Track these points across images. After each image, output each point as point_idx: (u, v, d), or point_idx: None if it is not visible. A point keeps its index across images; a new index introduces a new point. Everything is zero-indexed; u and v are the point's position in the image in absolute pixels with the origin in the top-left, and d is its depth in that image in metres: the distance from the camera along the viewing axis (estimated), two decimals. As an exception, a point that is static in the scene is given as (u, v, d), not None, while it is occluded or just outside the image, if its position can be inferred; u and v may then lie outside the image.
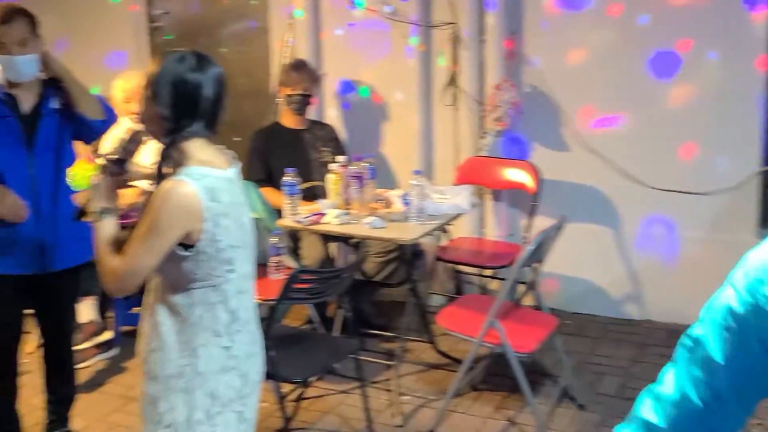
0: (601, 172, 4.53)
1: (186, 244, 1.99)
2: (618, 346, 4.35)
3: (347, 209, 3.83)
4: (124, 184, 2.26)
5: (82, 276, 3.41)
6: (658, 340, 4.36)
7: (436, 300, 4.76)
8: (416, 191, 3.67)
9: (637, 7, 4.34)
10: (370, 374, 4.05)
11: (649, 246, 4.54)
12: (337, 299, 3.79)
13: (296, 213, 3.82)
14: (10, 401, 3.29)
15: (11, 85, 3.01)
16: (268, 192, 4.28)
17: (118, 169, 2.16)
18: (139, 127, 2.14)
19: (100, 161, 2.17)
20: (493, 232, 4.79)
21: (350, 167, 3.83)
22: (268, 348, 3.01)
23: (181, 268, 2.01)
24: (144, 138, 2.19)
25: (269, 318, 3.10)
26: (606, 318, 4.67)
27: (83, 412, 3.69)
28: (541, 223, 4.14)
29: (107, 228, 2.10)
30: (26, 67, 2.98)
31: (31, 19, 2.99)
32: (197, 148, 2.04)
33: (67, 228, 3.13)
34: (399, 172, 4.89)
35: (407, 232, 3.64)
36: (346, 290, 3.45)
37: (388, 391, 3.88)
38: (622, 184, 4.51)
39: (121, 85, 4.28)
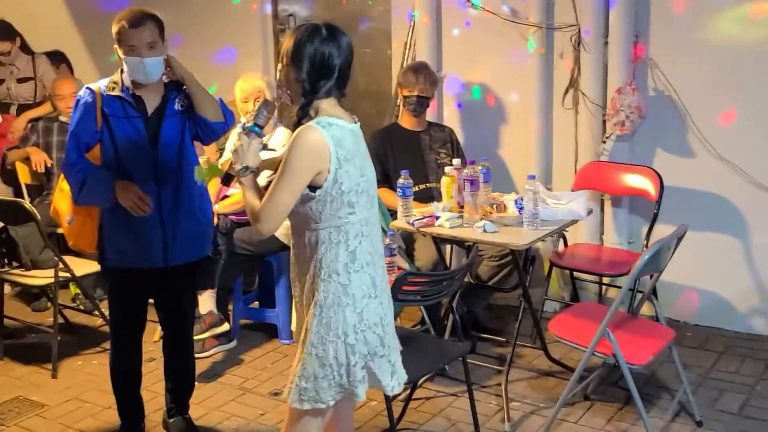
0: (729, 179, 4.34)
1: (314, 186, 2.31)
2: (743, 362, 4.16)
3: (460, 212, 3.82)
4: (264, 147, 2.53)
5: (200, 270, 3.57)
6: (787, 358, 4.15)
7: (550, 306, 4.68)
8: (530, 196, 3.62)
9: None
10: (481, 378, 4.04)
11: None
12: (448, 302, 3.77)
13: (409, 215, 3.84)
14: (135, 387, 3.48)
15: (137, 86, 3.17)
16: (383, 193, 4.32)
17: (254, 134, 2.45)
18: (272, 97, 2.39)
19: (239, 129, 2.47)
20: (613, 239, 4.66)
21: (464, 170, 3.82)
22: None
23: (309, 208, 2.34)
24: (276, 104, 2.59)
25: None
26: (732, 332, 4.46)
27: (201, 401, 3.85)
28: (663, 231, 3.99)
29: (250, 182, 2.42)
30: (154, 68, 3.13)
31: (159, 24, 3.14)
32: (328, 105, 2.38)
33: (187, 224, 3.30)
34: (517, 176, 4.84)
35: (519, 238, 3.59)
36: (457, 293, 3.45)
37: (498, 396, 3.85)
38: (751, 192, 4.30)
39: (241, 85, 4.42)
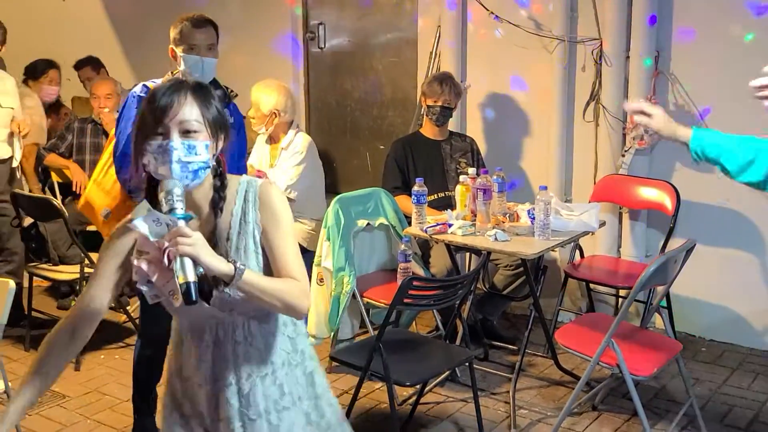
0: (747, 196, 4.31)
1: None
2: (755, 378, 4.15)
3: (473, 221, 3.88)
4: None
5: None
6: (800, 376, 4.14)
7: (565, 317, 4.71)
8: (541, 206, 3.67)
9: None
10: (492, 385, 4.09)
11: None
12: (457, 308, 3.83)
13: (423, 222, 3.92)
14: (155, 381, 3.53)
15: None
16: (402, 200, 4.41)
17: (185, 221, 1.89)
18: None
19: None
20: (630, 252, 4.68)
21: (478, 179, 3.88)
22: (378, 351, 3.15)
23: None
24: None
25: (385, 322, 3.23)
26: (746, 348, 4.46)
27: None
28: (680, 245, 4.02)
29: (253, 277, 1.87)
30: (210, 68, 3.31)
31: (216, 29, 3.35)
32: None
33: None
34: (537, 187, 4.87)
35: (529, 247, 3.65)
36: (465, 300, 3.51)
37: (507, 403, 3.89)
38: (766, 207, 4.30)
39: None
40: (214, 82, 3.37)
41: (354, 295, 4.04)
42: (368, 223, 4.25)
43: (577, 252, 4.53)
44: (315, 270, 4.11)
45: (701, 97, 4.41)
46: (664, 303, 4.29)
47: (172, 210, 1.81)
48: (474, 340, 4.39)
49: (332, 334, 4.15)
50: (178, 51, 3.28)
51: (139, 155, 1.89)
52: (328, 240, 4.08)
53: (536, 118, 4.94)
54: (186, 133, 1.88)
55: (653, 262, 3.22)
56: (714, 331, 4.56)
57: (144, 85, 3.31)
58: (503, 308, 4.71)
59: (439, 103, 4.55)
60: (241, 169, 3.58)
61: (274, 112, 4.48)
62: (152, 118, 1.88)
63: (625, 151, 4.56)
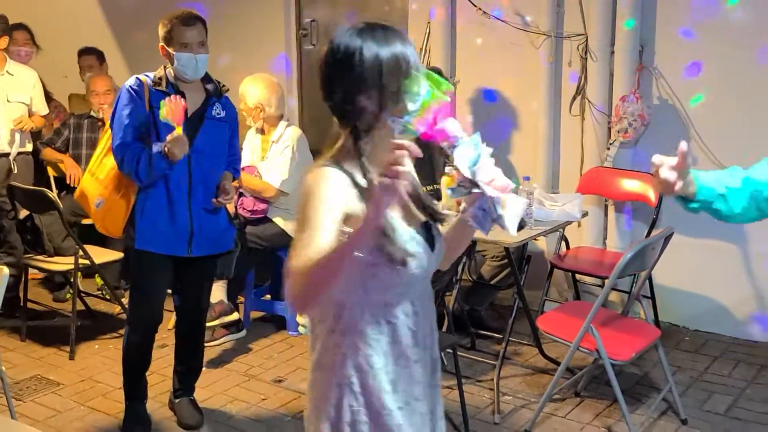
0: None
1: None
2: (736, 366, 4.23)
3: (458, 211, 3.95)
4: None
5: (219, 262, 3.78)
6: (780, 363, 4.22)
7: (550, 307, 4.78)
8: (524, 196, 3.74)
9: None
10: (478, 373, 4.17)
11: (777, 266, 4.39)
12: (441, 296, 3.91)
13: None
14: (144, 368, 3.65)
15: (180, 84, 3.37)
16: (392, 192, 4.48)
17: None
18: None
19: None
20: (615, 244, 4.76)
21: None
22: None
23: None
24: None
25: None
26: (728, 337, 4.53)
27: (207, 385, 4.03)
28: (660, 235, 4.11)
29: None
30: (203, 65, 3.37)
31: (205, 25, 3.39)
32: None
33: (213, 222, 3.52)
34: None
35: (512, 236, 3.71)
36: (447, 288, 3.59)
37: (492, 390, 3.97)
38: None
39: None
40: (207, 77, 3.45)
41: (343, 285, 4.12)
42: (355, 215, 4.32)
43: (563, 243, 4.61)
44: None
45: (685, 92, 4.49)
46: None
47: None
48: (461, 329, 4.48)
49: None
50: (170, 49, 3.31)
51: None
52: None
53: (524, 112, 5.02)
54: None
55: (630, 250, 3.30)
56: (697, 321, 4.64)
57: (137, 78, 3.38)
58: (490, 299, 4.79)
59: None
60: (233, 161, 3.66)
61: (259, 106, 4.56)
62: None
63: (610, 144, 4.64)
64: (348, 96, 1.82)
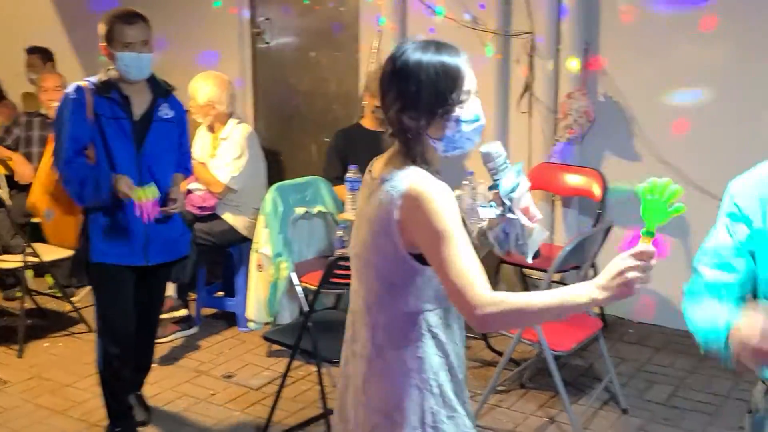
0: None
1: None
2: (677, 356, 4.33)
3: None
4: None
5: (174, 268, 3.73)
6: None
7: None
8: (467, 192, 3.81)
9: (725, 17, 4.33)
10: (426, 367, 4.21)
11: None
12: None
13: (356, 208, 4.03)
14: (128, 388, 3.57)
15: (125, 86, 3.27)
16: (342, 189, 4.52)
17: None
18: None
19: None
20: (563, 238, 4.85)
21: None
22: (309, 331, 3.26)
23: None
24: None
25: (313, 302, 3.35)
26: (671, 329, 4.63)
27: (156, 381, 4.04)
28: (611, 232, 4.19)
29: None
30: (148, 64, 3.28)
31: (148, 23, 3.30)
32: None
33: (168, 228, 3.44)
34: (475, 176, 5.02)
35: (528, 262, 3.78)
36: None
37: (439, 383, 4.02)
38: (694, 195, 4.46)
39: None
40: (152, 77, 3.37)
41: (292, 281, 4.14)
42: (306, 211, 4.36)
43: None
44: (254, 256, 4.22)
45: (628, 89, 4.59)
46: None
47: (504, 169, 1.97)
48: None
49: (271, 320, 4.26)
50: (112, 49, 3.21)
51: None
52: (266, 227, 4.18)
53: (474, 109, 5.07)
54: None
55: (569, 243, 3.38)
56: (641, 313, 4.74)
57: (77, 86, 3.25)
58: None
59: None
60: (184, 161, 3.62)
61: (209, 104, 4.58)
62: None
63: (557, 140, 4.72)
64: (396, 114, 1.89)
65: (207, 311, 4.91)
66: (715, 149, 4.40)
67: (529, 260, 2.00)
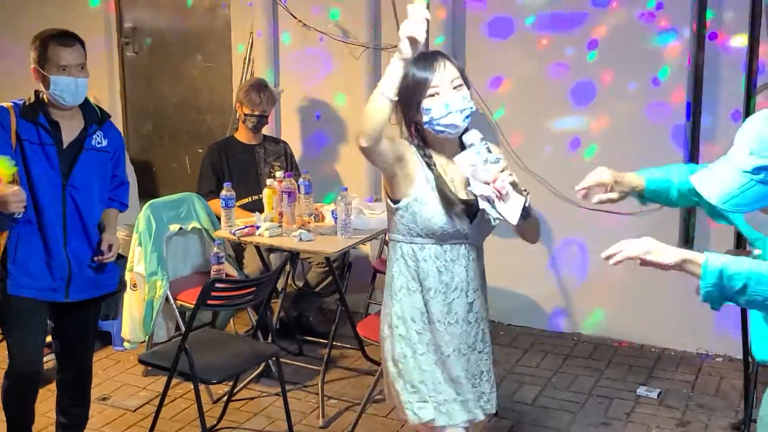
0: (535, 190, 4.70)
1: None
2: (544, 357, 4.57)
3: (280, 222, 4.07)
4: None
5: (104, 304, 3.39)
6: (582, 352, 4.60)
7: (375, 310, 4.98)
8: (341, 207, 3.90)
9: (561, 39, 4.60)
10: (305, 378, 4.29)
11: (579, 262, 4.77)
12: (263, 306, 4.00)
13: (232, 225, 4.06)
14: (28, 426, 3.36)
15: (54, 111, 3.06)
16: (216, 204, 4.51)
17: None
18: None
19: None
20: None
21: (283, 182, 4.07)
22: (185, 351, 3.27)
23: None
24: None
25: (190, 322, 3.36)
26: (538, 330, 4.88)
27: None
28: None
29: None
30: (84, 89, 3.06)
31: (84, 46, 3.11)
32: None
33: (91, 261, 3.19)
34: (351, 188, 5.10)
35: (332, 245, 3.88)
36: (269, 298, 3.69)
37: (317, 394, 4.10)
38: (554, 202, 4.70)
39: None
40: (86, 102, 3.15)
41: (168, 299, 4.13)
42: (181, 228, 4.34)
43: (386, 248, 4.79)
44: (128, 275, 4.16)
45: (491, 102, 4.79)
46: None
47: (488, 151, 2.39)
48: (290, 336, 4.59)
49: (147, 338, 4.22)
50: (46, 72, 2.99)
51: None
52: (140, 245, 4.15)
53: (348, 121, 5.18)
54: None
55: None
56: (510, 316, 4.96)
57: (1, 106, 3.02)
58: (317, 304, 4.93)
59: (257, 112, 4.67)
60: (119, 194, 3.36)
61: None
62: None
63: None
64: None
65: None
66: (568, 160, 4.66)
67: (513, 222, 2.36)
